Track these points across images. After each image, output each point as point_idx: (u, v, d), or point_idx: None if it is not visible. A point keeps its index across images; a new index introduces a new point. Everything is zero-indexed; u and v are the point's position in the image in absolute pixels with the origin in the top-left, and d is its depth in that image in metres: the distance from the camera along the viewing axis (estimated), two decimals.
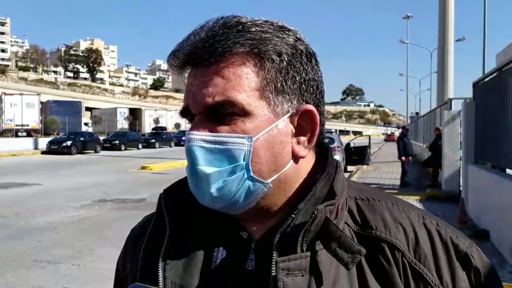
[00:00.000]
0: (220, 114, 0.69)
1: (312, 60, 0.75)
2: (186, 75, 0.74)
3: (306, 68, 0.73)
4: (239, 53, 0.69)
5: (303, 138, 0.74)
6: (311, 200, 0.71)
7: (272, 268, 0.68)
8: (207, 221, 0.77)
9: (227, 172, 0.69)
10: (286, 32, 0.72)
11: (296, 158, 0.74)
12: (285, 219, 0.70)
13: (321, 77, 0.77)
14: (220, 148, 0.69)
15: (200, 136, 0.69)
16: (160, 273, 0.72)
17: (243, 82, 0.69)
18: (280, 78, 0.71)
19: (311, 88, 0.74)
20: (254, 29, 0.70)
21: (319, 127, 0.75)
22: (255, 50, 0.69)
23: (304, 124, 0.74)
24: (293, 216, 0.69)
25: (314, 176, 0.76)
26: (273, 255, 0.69)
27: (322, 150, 0.80)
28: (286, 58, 0.71)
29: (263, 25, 0.71)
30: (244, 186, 0.70)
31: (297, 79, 0.72)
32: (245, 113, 0.69)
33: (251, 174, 0.70)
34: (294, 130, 0.74)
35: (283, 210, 0.74)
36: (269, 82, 0.70)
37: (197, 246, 0.76)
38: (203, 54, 0.69)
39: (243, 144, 0.69)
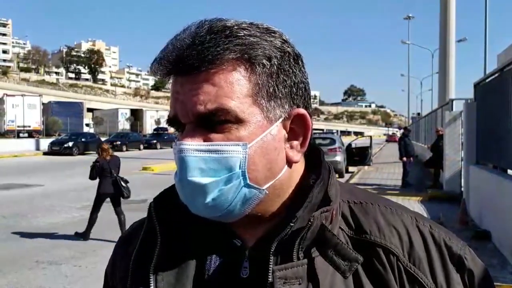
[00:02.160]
0: (212, 122, 0.67)
1: (299, 61, 0.74)
2: (171, 81, 0.71)
3: (295, 70, 0.72)
4: (229, 60, 0.67)
5: (295, 143, 0.73)
6: (307, 207, 0.70)
7: (269, 276, 0.67)
8: (198, 229, 0.76)
9: (223, 181, 0.67)
10: (272, 34, 0.71)
11: (289, 163, 0.73)
12: (279, 225, 0.70)
13: (307, 78, 0.76)
14: (215, 157, 0.67)
15: (193, 146, 0.67)
16: (152, 284, 0.71)
17: (235, 89, 0.67)
18: (272, 83, 0.70)
19: (300, 91, 0.73)
20: (242, 34, 0.68)
21: (310, 130, 0.74)
22: (245, 55, 0.67)
23: (296, 128, 0.73)
24: (292, 224, 0.68)
25: (307, 181, 0.75)
26: (270, 263, 0.68)
27: (313, 153, 0.79)
28: (276, 62, 0.70)
29: (249, 29, 0.69)
30: (241, 194, 0.68)
31: (287, 82, 0.71)
32: (238, 121, 0.67)
33: (248, 181, 0.68)
34: (286, 135, 0.72)
35: (277, 216, 0.73)
36: (261, 87, 0.69)
37: (189, 255, 0.75)
38: (192, 61, 0.66)
39: (238, 151, 0.67)
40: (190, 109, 0.68)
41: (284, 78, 0.71)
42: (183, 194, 0.70)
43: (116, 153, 8.43)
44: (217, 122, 0.67)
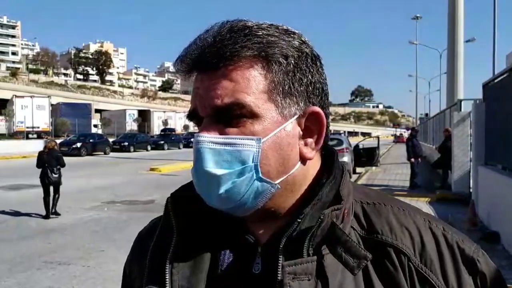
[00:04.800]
0: (228, 116, 0.69)
1: (317, 62, 0.75)
2: (193, 78, 0.74)
3: (312, 70, 0.74)
4: (246, 57, 0.69)
5: (310, 140, 0.75)
6: (317, 205, 0.71)
7: (279, 272, 0.68)
8: (213, 224, 0.78)
9: (236, 174, 0.69)
10: (291, 35, 0.73)
11: (303, 160, 0.74)
12: (291, 223, 0.71)
13: (326, 79, 0.77)
14: (229, 150, 0.69)
15: (209, 138, 0.69)
16: (167, 277, 0.73)
17: (251, 85, 0.69)
18: (287, 81, 0.71)
19: (317, 91, 0.75)
20: (260, 33, 0.70)
21: (325, 129, 0.76)
22: (263, 53, 0.70)
23: (311, 126, 0.75)
24: (299, 220, 0.70)
25: (321, 179, 0.76)
26: (279, 259, 0.69)
27: (328, 153, 0.81)
28: (292, 61, 0.71)
29: (268, 29, 0.71)
30: (253, 187, 0.70)
31: (303, 81, 0.73)
32: (253, 115, 0.69)
33: (260, 175, 0.70)
34: (301, 132, 0.74)
35: (290, 213, 0.74)
36: (277, 84, 0.71)
37: (204, 249, 0.77)
38: (211, 58, 0.69)
39: (252, 145, 0.69)
40: (208, 102, 0.70)
41: (301, 77, 0.73)
42: (198, 185, 0.72)
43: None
44: (233, 116, 0.69)
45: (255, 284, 0.73)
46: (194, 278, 0.74)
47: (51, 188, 9.78)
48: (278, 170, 0.71)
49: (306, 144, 0.75)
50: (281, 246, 0.70)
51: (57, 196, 9.89)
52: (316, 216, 0.70)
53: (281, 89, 0.71)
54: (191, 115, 0.75)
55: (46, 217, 9.51)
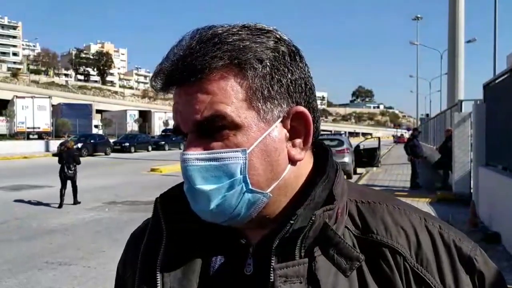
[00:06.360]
0: (211, 129, 0.68)
1: (296, 58, 0.72)
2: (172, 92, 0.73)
3: (291, 68, 0.71)
4: (219, 67, 0.67)
5: (298, 141, 0.73)
6: (309, 205, 0.70)
7: (271, 274, 0.67)
8: (204, 226, 0.76)
9: (225, 188, 0.68)
10: (265, 34, 0.70)
11: (293, 162, 0.73)
12: (284, 224, 0.69)
13: (309, 72, 0.74)
14: (216, 165, 0.68)
15: (194, 156, 0.68)
16: (159, 279, 0.73)
17: (229, 95, 0.67)
18: (266, 85, 0.69)
19: (299, 88, 0.72)
20: (231, 39, 0.67)
21: (314, 126, 0.73)
22: (235, 61, 0.67)
23: (297, 126, 0.72)
24: (292, 222, 0.68)
25: (314, 179, 0.74)
26: (272, 260, 0.68)
27: (321, 151, 0.79)
28: (268, 63, 0.69)
29: (240, 33, 0.68)
30: (244, 199, 0.69)
31: (283, 82, 0.70)
32: (235, 126, 0.68)
33: (250, 186, 0.69)
34: (288, 134, 0.72)
35: (283, 215, 0.73)
36: (255, 90, 0.69)
37: (195, 251, 0.76)
38: (183, 73, 0.68)
39: (238, 158, 0.68)
40: (188, 118, 0.69)
41: (279, 78, 0.70)
42: (191, 202, 0.71)
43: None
44: (215, 128, 0.68)
45: (247, 285, 0.72)
46: (186, 280, 0.74)
47: (68, 182, 11.21)
48: (267, 177, 0.70)
49: (294, 146, 0.73)
50: (273, 247, 0.69)
51: (74, 188, 11.34)
52: (309, 217, 0.68)
53: (260, 94, 0.69)
54: (176, 131, 0.74)
55: (60, 206, 10.87)
